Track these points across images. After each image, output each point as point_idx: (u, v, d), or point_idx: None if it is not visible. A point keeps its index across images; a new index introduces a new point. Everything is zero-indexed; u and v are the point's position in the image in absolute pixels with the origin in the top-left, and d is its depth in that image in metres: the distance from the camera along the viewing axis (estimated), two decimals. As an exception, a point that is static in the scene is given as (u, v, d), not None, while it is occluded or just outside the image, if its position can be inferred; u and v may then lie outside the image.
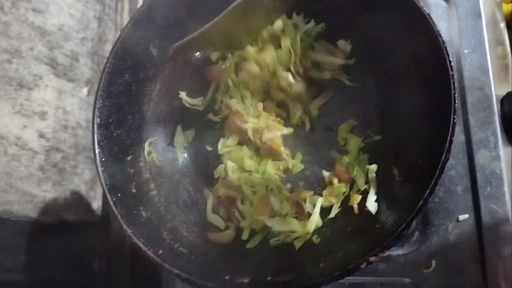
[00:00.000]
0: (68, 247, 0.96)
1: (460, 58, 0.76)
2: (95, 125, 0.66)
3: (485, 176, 0.71)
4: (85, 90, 1.03)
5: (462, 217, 0.71)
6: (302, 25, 0.76)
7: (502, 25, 0.81)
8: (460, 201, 0.72)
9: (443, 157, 0.53)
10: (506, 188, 0.70)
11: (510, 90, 0.75)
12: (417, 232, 0.72)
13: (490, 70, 0.75)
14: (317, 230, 0.68)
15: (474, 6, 0.78)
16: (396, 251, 0.71)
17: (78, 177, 0.99)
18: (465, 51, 0.76)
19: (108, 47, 1.11)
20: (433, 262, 0.70)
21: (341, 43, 0.75)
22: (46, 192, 0.90)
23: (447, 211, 0.72)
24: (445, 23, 0.78)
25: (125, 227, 0.61)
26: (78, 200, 0.99)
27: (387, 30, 0.67)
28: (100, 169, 0.64)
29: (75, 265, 0.98)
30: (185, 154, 0.81)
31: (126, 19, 1.17)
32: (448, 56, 0.55)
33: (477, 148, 0.72)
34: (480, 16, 0.77)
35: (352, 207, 0.67)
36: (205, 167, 0.81)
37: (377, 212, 0.63)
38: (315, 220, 0.68)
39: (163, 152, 0.77)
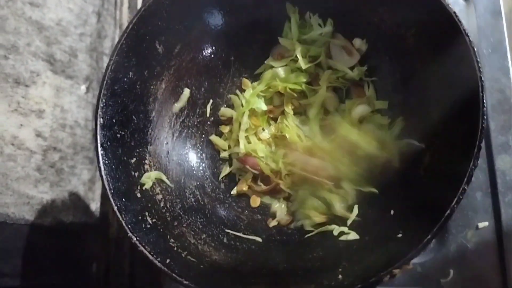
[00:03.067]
0: (65, 250, 0.94)
1: (479, 59, 0.73)
2: (98, 126, 0.63)
3: (506, 182, 0.69)
4: (83, 88, 1.00)
5: (481, 224, 0.69)
6: (317, 28, 0.74)
7: (522, 24, 0.79)
8: (479, 208, 0.69)
9: (471, 164, 0.50)
10: (527, 195, 0.68)
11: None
12: (434, 239, 0.69)
13: (511, 71, 0.72)
14: (335, 238, 0.66)
15: (494, 4, 0.75)
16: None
17: (76, 177, 0.97)
18: (485, 51, 0.74)
19: (107, 43, 1.09)
20: (451, 271, 0.67)
21: (357, 42, 0.73)
22: (43, 194, 0.88)
23: (466, 218, 0.69)
24: (463, 22, 0.74)
25: (130, 234, 0.58)
26: (76, 202, 0.97)
27: (407, 28, 0.64)
28: (103, 172, 0.61)
29: (72, 268, 0.95)
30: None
31: (125, 14, 1.15)
32: (476, 56, 0.53)
33: (497, 153, 0.70)
34: (500, 14, 0.75)
35: (369, 216, 0.65)
36: (213, 169, 0.79)
37: (398, 220, 0.61)
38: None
39: (169, 155, 0.74)
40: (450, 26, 0.56)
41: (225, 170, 0.80)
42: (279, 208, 0.75)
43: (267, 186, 0.76)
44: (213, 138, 0.82)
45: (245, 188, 0.78)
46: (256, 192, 0.78)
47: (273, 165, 0.76)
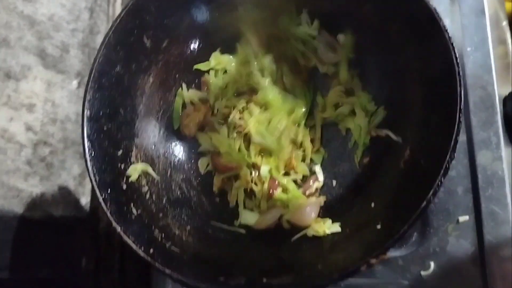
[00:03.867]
0: (55, 244, 0.94)
1: (462, 56, 0.74)
2: (85, 118, 0.64)
3: (487, 177, 0.70)
4: (75, 83, 1.01)
5: (462, 218, 0.69)
6: (305, 25, 0.76)
7: (505, 23, 0.80)
8: (460, 202, 0.70)
9: (447, 157, 0.51)
10: (507, 190, 0.69)
11: (513, 89, 0.74)
12: (415, 233, 0.70)
13: (493, 69, 0.73)
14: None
15: (478, 3, 0.76)
16: (394, 253, 0.69)
17: (66, 172, 0.97)
18: (468, 48, 0.75)
19: (99, 39, 1.09)
20: (432, 264, 0.68)
21: (341, 38, 0.74)
22: (33, 187, 0.88)
23: (447, 212, 0.70)
24: (448, 20, 0.76)
25: (115, 224, 0.59)
26: (66, 196, 0.97)
27: (389, 24, 0.65)
28: (89, 164, 0.62)
29: (62, 262, 0.95)
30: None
31: (118, 10, 1.16)
32: (455, 52, 0.54)
33: (478, 149, 0.71)
34: (483, 13, 0.76)
35: (351, 208, 0.66)
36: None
37: (377, 212, 0.62)
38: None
39: (155, 148, 0.75)
40: (431, 23, 0.57)
41: (204, 165, 0.80)
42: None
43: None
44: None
45: (220, 184, 0.78)
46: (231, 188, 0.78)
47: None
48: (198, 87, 0.81)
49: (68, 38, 1.00)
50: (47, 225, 0.92)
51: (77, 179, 1.00)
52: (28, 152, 0.87)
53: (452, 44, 0.55)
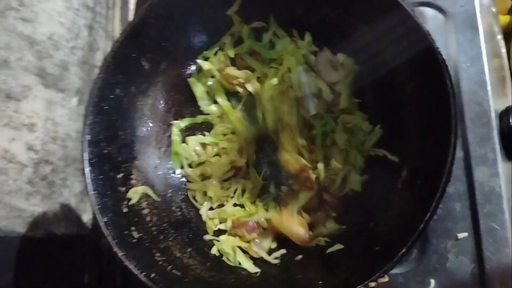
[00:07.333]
0: (57, 261, 0.94)
1: (457, 72, 0.74)
2: (86, 143, 0.64)
3: (484, 193, 0.70)
4: (75, 100, 1.01)
5: (461, 235, 0.70)
6: (305, 47, 0.76)
7: (499, 37, 0.80)
8: (459, 219, 0.70)
9: (443, 179, 0.52)
10: (505, 206, 0.69)
11: (510, 104, 0.74)
12: (415, 250, 0.71)
13: (488, 84, 0.73)
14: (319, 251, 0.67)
15: (471, 18, 0.76)
16: (394, 270, 0.69)
17: (67, 189, 0.98)
18: (463, 64, 0.75)
19: (99, 56, 1.10)
20: (432, 281, 0.68)
21: (341, 57, 0.74)
22: (35, 206, 0.89)
23: (445, 229, 0.70)
24: (442, 37, 0.76)
25: (116, 249, 0.59)
26: (67, 214, 0.98)
27: (385, 45, 0.66)
28: (90, 189, 0.63)
29: (65, 280, 0.96)
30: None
31: (117, 27, 1.16)
32: (449, 75, 0.54)
33: (476, 165, 0.71)
34: (477, 28, 0.76)
35: (348, 231, 0.66)
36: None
37: (376, 234, 0.62)
38: None
39: (155, 170, 0.76)
40: (425, 44, 0.57)
41: None
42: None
43: None
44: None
45: None
46: None
47: None
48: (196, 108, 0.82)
49: (68, 56, 1.00)
50: (49, 243, 0.92)
51: (79, 196, 1.01)
52: (29, 171, 0.88)
53: (446, 65, 0.55)
